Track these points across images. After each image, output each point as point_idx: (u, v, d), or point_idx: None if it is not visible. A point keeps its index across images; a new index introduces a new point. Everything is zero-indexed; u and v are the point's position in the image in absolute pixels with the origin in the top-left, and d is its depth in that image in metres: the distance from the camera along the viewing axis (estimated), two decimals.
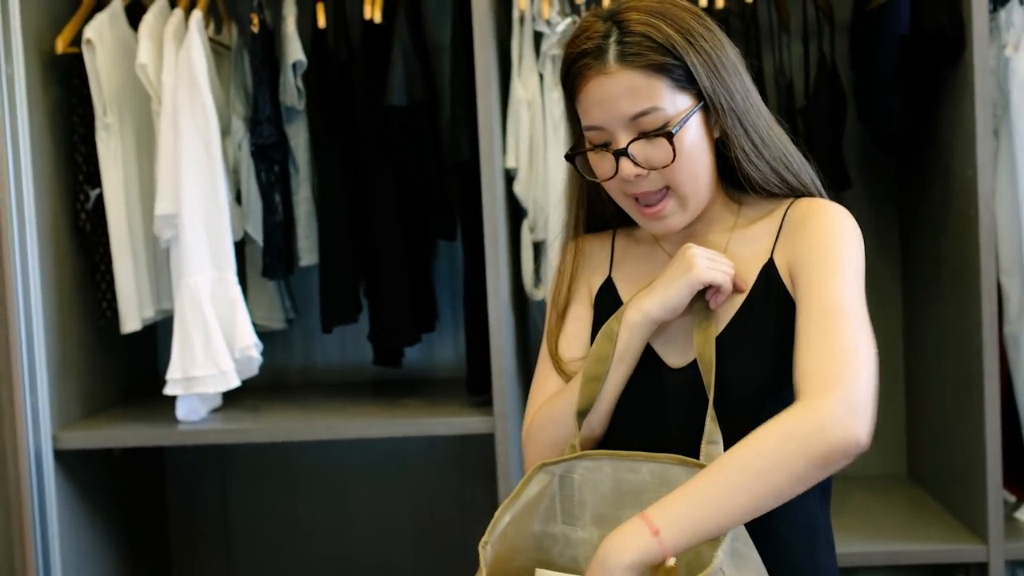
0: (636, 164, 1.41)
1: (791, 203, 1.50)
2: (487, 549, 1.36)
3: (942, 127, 2.50)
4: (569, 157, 1.51)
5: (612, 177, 1.44)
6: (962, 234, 2.40)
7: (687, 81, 1.41)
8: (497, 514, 1.40)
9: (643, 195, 1.44)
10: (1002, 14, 2.46)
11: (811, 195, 1.52)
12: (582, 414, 1.46)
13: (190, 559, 3.13)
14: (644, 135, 1.41)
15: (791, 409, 1.27)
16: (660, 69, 1.40)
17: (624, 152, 1.41)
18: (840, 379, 1.27)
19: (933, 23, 2.37)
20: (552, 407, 1.51)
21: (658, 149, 1.41)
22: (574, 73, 1.44)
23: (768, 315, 1.43)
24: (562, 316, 1.58)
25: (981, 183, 2.31)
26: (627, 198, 1.47)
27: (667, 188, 1.43)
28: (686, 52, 1.40)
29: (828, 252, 1.40)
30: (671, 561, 1.22)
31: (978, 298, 2.33)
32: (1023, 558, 2.38)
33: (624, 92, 1.40)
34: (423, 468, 3.06)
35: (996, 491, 2.33)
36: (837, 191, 2.54)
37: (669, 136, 1.39)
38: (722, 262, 1.44)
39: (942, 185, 2.52)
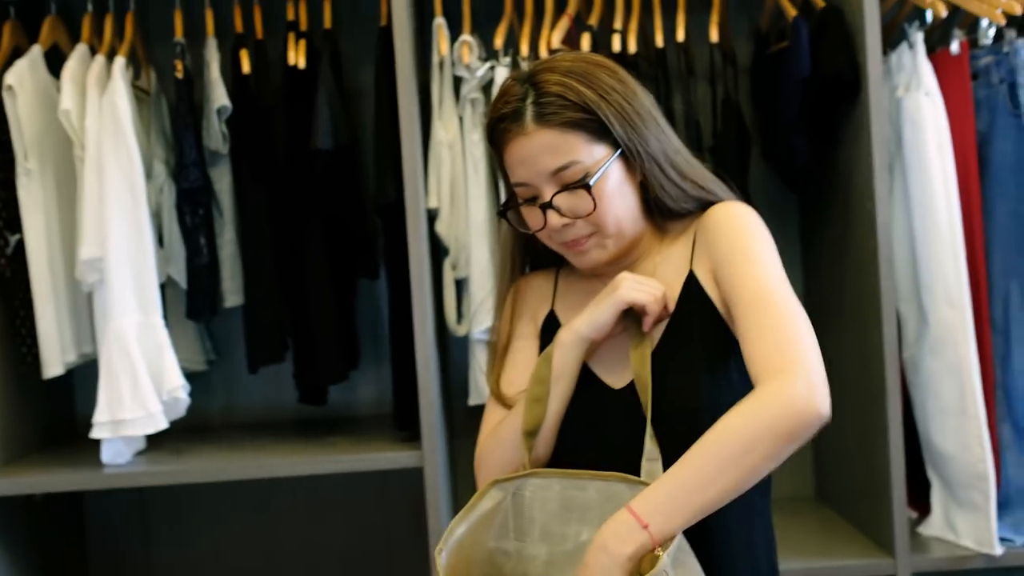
0: (561, 215, 1.52)
1: (701, 215, 1.60)
2: (442, 556, 1.44)
3: (842, 163, 2.64)
4: (502, 213, 1.61)
5: (542, 228, 1.54)
6: (862, 263, 2.54)
7: (603, 133, 1.51)
8: (451, 524, 1.47)
9: (563, 245, 1.56)
10: (893, 57, 2.61)
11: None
12: (530, 434, 1.53)
13: None
14: (566, 187, 1.51)
15: (754, 393, 1.35)
16: (575, 125, 1.50)
17: (549, 205, 1.52)
18: (793, 359, 1.35)
19: (832, 66, 2.50)
20: (500, 430, 1.59)
21: (580, 199, 1.51)
22: (497, 136, 1.55)
23: (695, 327, 1.52)
24: (502, 357, 1.67)
25: (880, 215, 2.44)
26: (554, 244, 1.58)
27: (593, 233, 1.54)
28: (599, 106, 1.50)
29: (742, 245, 1.50)
30: (659, 551, 1.31)
31: (879, 324, 2.46)
32: (927, 570, 2.49)
33: (543, 150, 1.50)
34: (347, 506, 3.09)
35: (901, 508, 2.45)
36: None
37: (587, 187, 1.50)
38: (650, 285, 1.52)
39: (843, 218, 2.66)
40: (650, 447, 1.44)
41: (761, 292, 1.43)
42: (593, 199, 1.50)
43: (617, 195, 1.53)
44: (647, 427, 1.45)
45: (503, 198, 2.52)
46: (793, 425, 1.32)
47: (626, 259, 1.61)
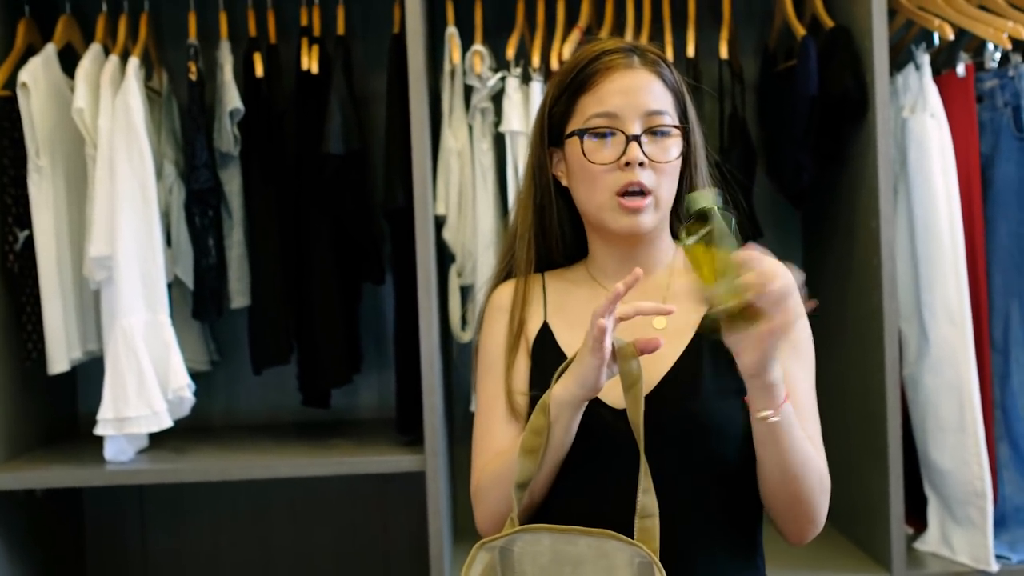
0: (643, 152, 1.51)
1: None
2: None
3: (846, 182, 2.67)
4: (579, 133, 1.55)
5: (615, 161, 1.52)
6: (866, 282, 2.56)
7: (681, 114, 1.56)
8: None
9: (631, 184, 1.51)
10: (899, 78, 2.63)
11: None
12: (521, 487, 1.47)
13: None
14: (652, 131, 1.52)
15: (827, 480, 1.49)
16: (671, 89, 1.56)
17: (637, 137, 1.51)
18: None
19: (839, 86, 2.53)
20: (499, 467, 1.53)
21: (661, 148, 1.52)
22: (597, 66, 1.55)
23: (713, 357, 1.49)
24: (512, 351, 1.60)
25: (884, 234, 2.47)
26: (608, 192, 1.53)
27: (651, 193, 1.52)
28: (684, 91, 1.58)
29: (801, 341, 1.54)
30: (770, 414, 1.39)
31: (881, 341, 2.48)
32: None
33: (647, 87, 1.53)
34: (345, 509, 3.10)
35: (899, 524, 2.47)
36: (749, 240, 2.68)
37: (686, 130, 1.55)
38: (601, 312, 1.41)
39: (847, 235, 2.68)
40: (646, 503, 1.41)
41: (810, 409, 1.52)
42: (685, 142, 1.55)
43: (677, 167, 1.56)
44: (641, 479, 1.41)
45: (510, 207, 2.54)
46: (808, 525, 1.50)
47: (644, 259, 1.59)
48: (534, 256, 1.65)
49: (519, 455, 1.46)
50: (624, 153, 1.51)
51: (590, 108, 1.54)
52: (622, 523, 1.41)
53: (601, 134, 1.53)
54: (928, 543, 2.62)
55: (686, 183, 1.59)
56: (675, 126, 1.54)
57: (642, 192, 1.51)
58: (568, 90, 1.57)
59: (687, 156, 1.58)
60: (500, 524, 1.51)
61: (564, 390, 1.45)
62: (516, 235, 1.67)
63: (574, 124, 1.56)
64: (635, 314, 1.42)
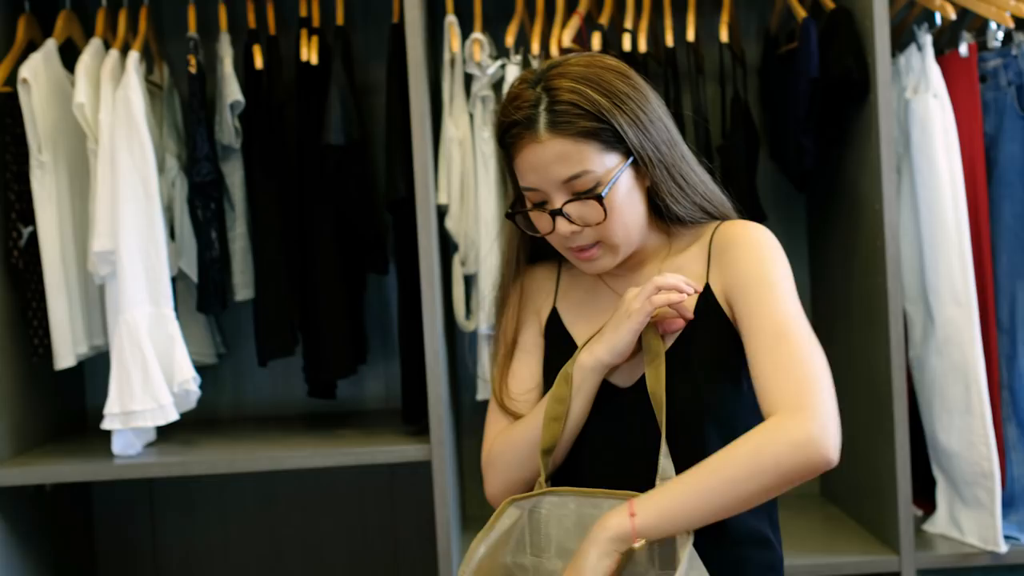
0: (571, 222, 1.51)
1: (715, 228, 1.59)
2: None
3: (849, 164, 2.66)
4: (510, 215, 1.60)
5: (551, 233, 1.54)
6: (870, 264, 2.55)
7: (616, 141, 1.50)
8: (472, 545, 1.49)
9: (571, 249, 1.55)
10: (902, 59, 2.62)
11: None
12: (547, 452, 1.53)
13: None
14: (577, 196, 1.49)
15: (769, 424, 1.36)
16: (589, 134, 1.48)
17: (559, 212, 1.50)
18: (808, 399, 1.36)
19: (841, 67, 2.52)
20: (512, 434, 1.59)
21: (591, 209, 1.50)
22: (508, 141, 1.53)
23: (708, 339, 1.52)
24: (509, 354, 1.66)
25: (887, 216, 2.46)
26: (561, 247, 1.57)
27: (600, 241, 1.53)
28: (613, 115, 1.48)
29: (762, 273, 1.50)
30: (639, 543, 1.36)
31: (886, 324, 2.47)
32: (932, 567, 2.51)
33: (555, 159, 1.48)
34: (354, 500, 3.11)
35: (906, 505, 2.47)
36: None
37: (599, 198, 1.49)
38: (663, 280, 1.50)
39: (850, 218, 2.67)
40: (665, 465, 1.45)
41: (780, 327, 1.44)
42: (604, 209, 1.49)
43: (627, 204, 1.52)
44: (662, 445, 1.46)
45: (511, 196, 2.55)
46: (798, 465, 1.34)
47: (632, 260, 1.62)
48: (524, 260, 1.69)
49: (543, 422, 1.54)
50: (554, 228, 1.52)
51: (520, 180, 1.55)
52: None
53: (535, 203, 1.55)
54: (937, 525, 2.62)
55: (661, 184, 1.56)
56: (595, 195, 1.49)
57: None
58: (504, 155, 1.58)
59: (643, 164, 1.53)
60: (511, 490, 1.58)
61: (590, 356, 1.53)
62: (508, 240, 1.71)
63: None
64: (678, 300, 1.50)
